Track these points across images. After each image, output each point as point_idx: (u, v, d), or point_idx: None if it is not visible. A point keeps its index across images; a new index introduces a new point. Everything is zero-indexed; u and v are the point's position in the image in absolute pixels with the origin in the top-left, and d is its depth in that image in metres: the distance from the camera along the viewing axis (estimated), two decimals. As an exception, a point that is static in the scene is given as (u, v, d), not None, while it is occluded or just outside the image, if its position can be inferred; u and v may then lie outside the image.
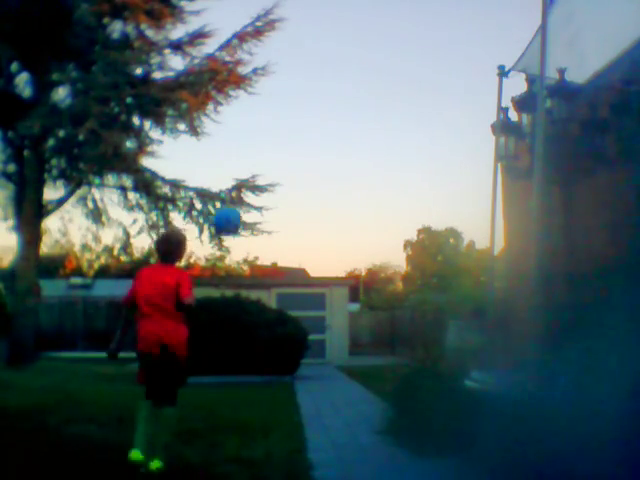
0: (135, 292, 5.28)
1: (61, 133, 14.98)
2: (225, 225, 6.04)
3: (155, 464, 4.82)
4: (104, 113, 14.21)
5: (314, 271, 51.32)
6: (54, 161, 15.92)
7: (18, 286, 15.24)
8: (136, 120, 15.94)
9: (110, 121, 14.47)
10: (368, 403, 9.12)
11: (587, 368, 4.09)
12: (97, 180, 16.69)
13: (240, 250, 46.83)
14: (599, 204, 6.26)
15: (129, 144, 16.08)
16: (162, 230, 16.60)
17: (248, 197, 16.38)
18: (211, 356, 12.68)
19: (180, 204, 16.36)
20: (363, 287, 41.45)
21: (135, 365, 5.47)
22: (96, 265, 35.12)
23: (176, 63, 16.24)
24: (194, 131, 16.04)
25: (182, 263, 33.27)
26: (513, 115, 7.70)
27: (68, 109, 14.79)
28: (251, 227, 16.51)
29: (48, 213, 16.12)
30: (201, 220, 16.29)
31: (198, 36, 15.69)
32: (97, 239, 31.89)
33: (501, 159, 7.92)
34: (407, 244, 45.33)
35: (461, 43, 63.86)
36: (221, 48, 15.87)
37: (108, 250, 34.38)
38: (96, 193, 17.07)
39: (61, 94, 15.71)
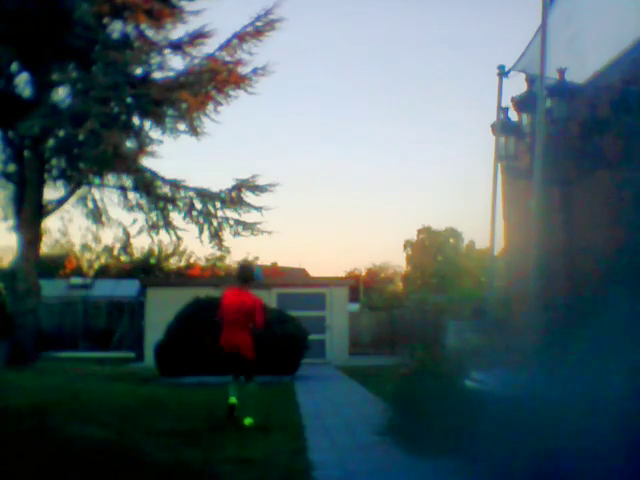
0: (225, 308, 7.20)
1: (61, 133, 14.99)
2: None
3: (247, 420, 6.88)
4: (104, 113, 14.21)
5: (314, 271, 51.32)
6: (54, 161, 15.93)
7: (18, 286, 15.24)
8: (136, 120, 15.95)
9: (110, 121, 14.48)
10: (368, 403, 9.12)
11: (587, 367, 4.09)
12: (97, 180, 16.70)
13: (240, 250, 46.89)
14: (599, 204, 6.27)
15: (129, 144, 16.09)
16: (162, 230, 16.67)
17: (248, 197, 16.40)
18: (211, 356, 12.66)
19: (180, 204, 16.37)
20: (363, 287, 41.42)
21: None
22: (96, 265, 35.11)
23: (176, 63, 16.27)
24: (194, 131, 16.04)
25: (182, 263, 33.02)
26: (513, 115, 7.71)
27: (68, 109, 14.80)
28: (251, 227, 16.52)
29: (48, 213, 16.12)
30: (201, 220, 16.31)
31: (198, 36, 15.69)
32: (97, 239, 32.02)
33: (501, 159, 7.92)
34: (407, 244, 45.32)
35: (461, 43, 63.86)
36: (221, 48, 15.88)
37: (108, 250, 34.40)
38: (96, 193, 17.10)
39: (61, 94, 15.74)
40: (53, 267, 30.98)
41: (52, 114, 14.47)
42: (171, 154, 36.21)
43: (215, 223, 16.40)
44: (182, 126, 15.99)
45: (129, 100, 15.12)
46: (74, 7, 14.44)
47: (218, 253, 24.31)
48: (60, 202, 16.32)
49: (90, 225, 17.64)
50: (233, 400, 7.18)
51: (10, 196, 15.85)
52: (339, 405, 9.25)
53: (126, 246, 31.75)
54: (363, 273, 48.40)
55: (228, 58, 15.94)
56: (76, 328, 24.93)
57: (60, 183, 16.24)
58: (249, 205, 16.38)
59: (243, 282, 7.27)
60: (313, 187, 65.67)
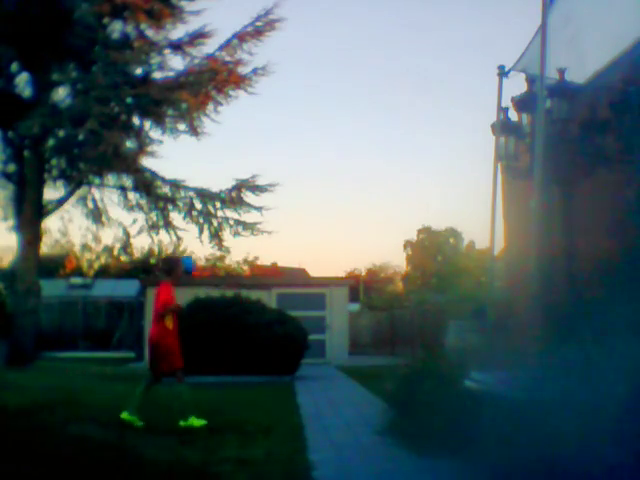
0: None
1: (61, 133, 14.98)
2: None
3: (182, 422, 6.77)
4: (104, 113, 14.21)
5: (314, 271, 51.34)
6: (54, 161, 15.92)
7: (18, 286, 15.24)
8: (136, 120, 15.95)
9: (110, 121, 14.47)
10: (368, 403, 9.11)
11: (587, 368, 4.09)
12: (97, 180, 16.69)
13: (240, 250, 46.87)
14: (599, 204, 6.26)
15: (129, 144, 16.09)
16: (162, 230, 16.70)
17: (248, 197, 16.40)
18: (211, 356, 12.68)
19: (180, 204, 16.37)
20: (363, 287, 41.43)
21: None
22: (96, 265, 35.14)
23: (176, 63, 16.22)
24: (194, 131, 16.04)
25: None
26: (513, 115, 7.69)
27: (68, 109, 14.79)
28: (251, 227, 16.51)
29: (48, 213, 16.12)
30: (201, 220, 16.30)
31: (198, 36, 15.69)
32: (97, 239, 32.02)
33: (501, 159, 7.91)
34: (407, 244, 45.33)
35: (461, 43, 63.89)
36: (221, 48, 15.88)
37: (108, 250, 34.44)
38: (96, 193, 17.09)
39: (61, 94, 15.73)
40: (53, 267, 30.99)
41: (52, 114, 14.46)
42: (171, 154, 36.25)
43: (215, 223, 16.40)
44: (182, 126, 16.00)
45: (129, 100, 15.12)
46: (74, 7, 14.44)
47: (218, 253, 24.32)
48: (60, 202, 16.32)
49: (90, 225, 17.66)
50: (125, 415, 6.80)
51: (10, 196, 15.84)
52: (339, 405, 9.24)
53: (126, 246, 31.77)
54: (363, 273, 48.42)
55: (228, 58, 15.95)
56: (76, 328, 24.95)
57: (60, 183, 16.25)
58: (249, 205, 16.38)
59: (168, 275, 7.14)
60: (313, 187, 65.74)
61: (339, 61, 67.08)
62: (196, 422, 6.73)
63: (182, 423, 6.73)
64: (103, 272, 33.33)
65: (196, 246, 61.54)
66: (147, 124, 15.97)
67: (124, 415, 6.74)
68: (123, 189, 16.65)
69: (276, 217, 78.45)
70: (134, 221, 16.80)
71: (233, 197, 16.28)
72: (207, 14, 18.64)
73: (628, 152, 5.66)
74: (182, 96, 15.06)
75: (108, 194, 16.97)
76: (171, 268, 7.16)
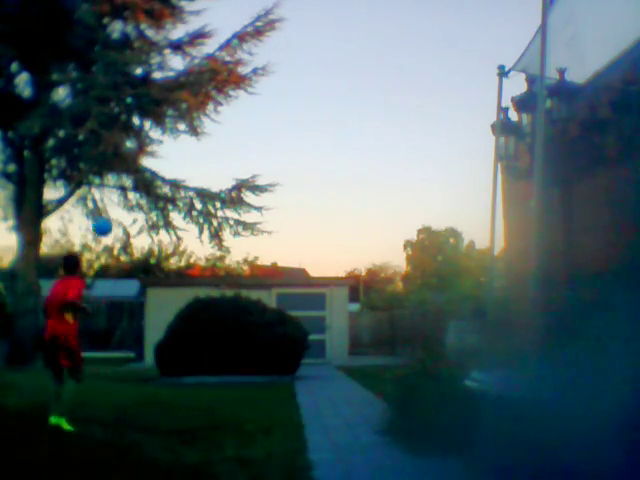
0: (50, 298, 6.84)
1: (61, 133, 15.01)
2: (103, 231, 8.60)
3: (54, 419, 6.44)
4: (104, 113, 14.22)
5: (314, 271, 51.36)
6: (54, 161, 15.94)
7: (18, 286, 15.25)
8: (136, 120, 15.97)
9: (110, 121, 14.49)
10: (368, 403, 9.11)
11: (586, 368, 4.09)
12: (97, 180, 16.72)
13: (240, 250, 46.86)
14: (599, 204, 6.26)
15: (129, 144, 16.11)
16: (162, 230, 16.71)
17: (248, 197, 16.42)
18: (211, 356, 12.68)
19: (180, 204, 16.39)
20: (363, 287, 41.41)
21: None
22: (96, 265, 35.10)
23: (176, 63, 16.30)
24: (194, 131, 16.06)
25: (182, 263, 33.11)
26: (513, 115, 7.69)
27: (68, 109, 14.81)
28: (251, 227, 16.53)
29: (48, 213, 16.13)
30: (201, 220, 16.32)
31: (198, 36, 15.71)
32: (97, 239, 32.01)
33: (501, 159, 7.91)
34: (407, 244, 45.31)
35: (461, 43, 63.90)
36: (221, 48, 15.89)
37: (108, 250, 34.39)
38: (96, 193, 17.12)
39: (61, 94, 15.76)
40: (53, 267, 30.92)
41: (52, 114, 14.48)
42: (171, 154, 36.27)
43: (215, 223, 16.42)
44: (182, 126, 16.03)
45: (129, 100, 15.14)
46: (74, 7, 14.45)
47: (218, 253, 24.32)
48: (60, 202, 16.34)
49: (90, 225, 17.68)
50: (55, 420, 6.46)
51: (10, 196, 15.86)
52: (339, 405, 9.24)
53: (126, 246, 31.74)
54: (363, 273, 48.40)
55: (228, 58, 15.97)
56: (76, 328, 24.90)
57: (60, 183, 16.28)
58: (249, 205, 16.40)
59: (68, 271, 6.98)
60: (313, 187, 65.76)
61: (339, 61, 67.14)
62: (65, 425, 6.39)
63: (53, 420, 6.42)
64: (103, 272, 33.28)
65: (196, 246, 61.60)
66: (147, 124, 16.02)
67: (52, 420, 6.40)
68: (123, 189, 16.67)
69: (276, 217, 78.52)
70: (134, 221, 16.85)
71: (233, 197, 16.30)
72: (207, 14, 18.75)
73: (628, 152, 5.66)
74: (182, 96, 15.08)
75: (108, 194, 17.02)
76: (77, 264, 7.19)
